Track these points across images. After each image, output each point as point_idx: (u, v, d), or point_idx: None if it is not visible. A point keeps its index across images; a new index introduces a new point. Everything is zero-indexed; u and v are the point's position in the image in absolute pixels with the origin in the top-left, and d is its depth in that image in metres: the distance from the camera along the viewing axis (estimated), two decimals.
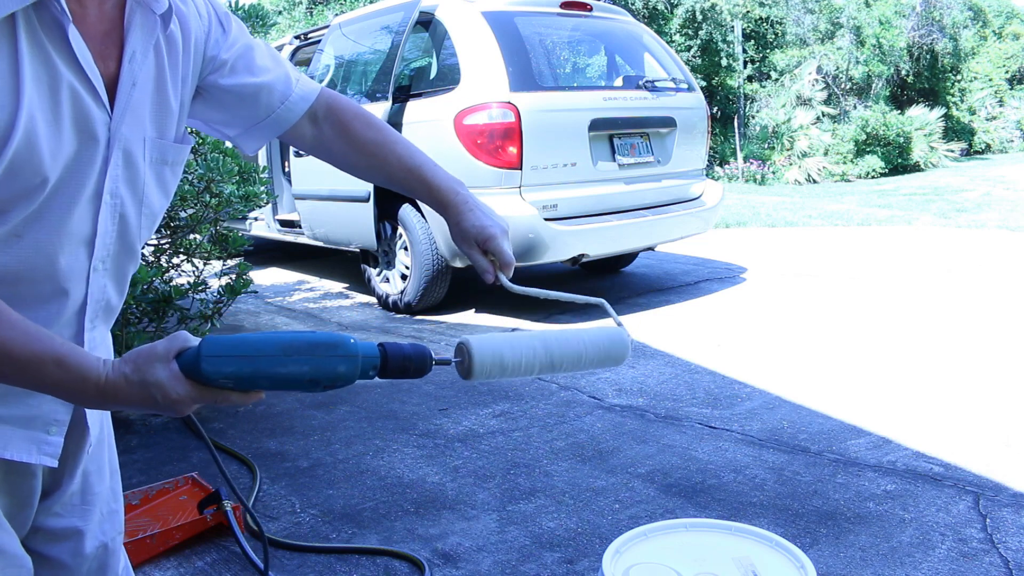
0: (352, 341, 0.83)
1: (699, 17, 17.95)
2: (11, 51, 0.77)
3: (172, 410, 0.80)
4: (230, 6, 3.47)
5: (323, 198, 5.08)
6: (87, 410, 0.99)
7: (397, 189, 1.18)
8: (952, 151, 17.90)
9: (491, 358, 0.94)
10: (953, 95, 20.84)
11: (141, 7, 0.89)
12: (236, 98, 1.06)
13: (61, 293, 0.89)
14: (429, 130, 4.43)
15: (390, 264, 4.93)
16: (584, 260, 4.58)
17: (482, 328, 4.40)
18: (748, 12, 18.68)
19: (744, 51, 18.47)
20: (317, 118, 1.14)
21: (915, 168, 16.44)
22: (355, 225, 4.92)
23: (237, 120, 1.10)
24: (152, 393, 0.78)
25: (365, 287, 5.33)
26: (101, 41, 0.86)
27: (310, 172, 5.11)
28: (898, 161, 16.25)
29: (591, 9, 5.00)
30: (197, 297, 3.32)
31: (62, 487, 1.02)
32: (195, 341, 0.81)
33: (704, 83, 17.12)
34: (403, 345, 0.87)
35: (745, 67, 18.49)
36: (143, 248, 1.05)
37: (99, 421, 1.06)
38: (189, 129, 1.08)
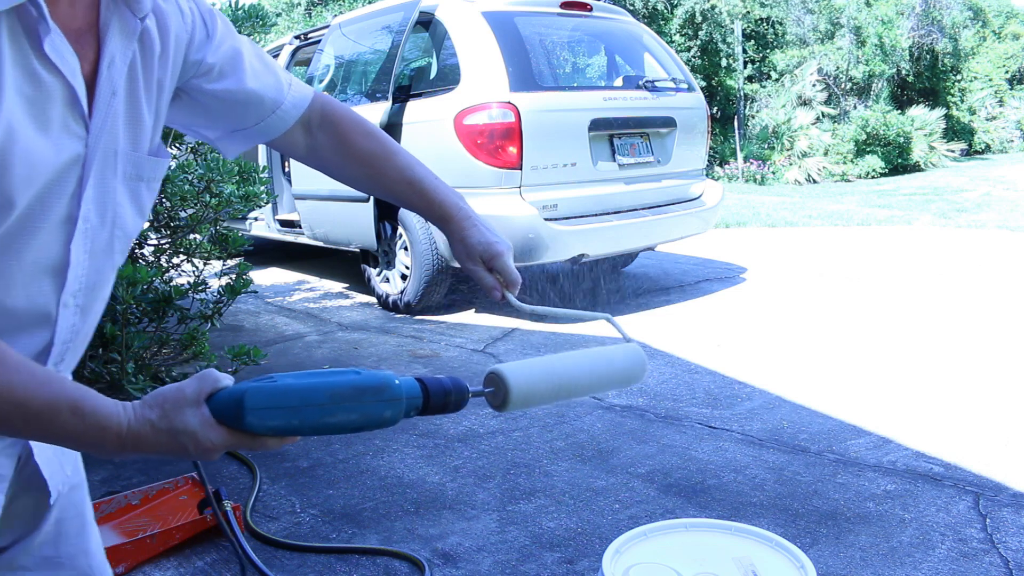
0: (396, 382, 0.78)
1: (699, 17, 17.96)
2: None
3: (203, 458, 0.73)
4: (229, 6, 3.47)
5: (323, 198, 5.08)
6: (42, 457, 0.86)
7: (395, 201, 1.13)
8: (952, 151, 17.90)
9: (526, 389, 0.89)
10: (953, 95, 20.84)
11: (119, 9, 0.79)
12: (223, 104, 0.97)
13: (19, 332, 0.76)
14: (429, 130, 4.43)
15: (390, 264, 4.93)
16: (584, 260, 4.58)
17: (481, 328, 4.41)
18: (748, 12, 18.68)
19: (744, 51, 18.48)
20: (311, 126, 1.07)
21: (915, 168, 16.44)
22: (355, 225, 4.92)
23: (221, 124, 1.01)
24: (182, 442, 0.71)
25: (365, 287, 5.33)
26: (74, 41, 0.76)
27: (310, 172, 5.10)
28: (898, 161, 16.25)
29: (591, 9, 5.00)
30: (197, 297, 3.33)
31: (27, 537, 0.90)
32: (225, 380, 0.74)
33: (704, 83, 17.12)
34: (443, 380, 0.83)
35: (745, 67, 18.49)
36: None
37: (67, 469, 0.92)
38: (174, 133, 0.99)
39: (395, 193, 1.11)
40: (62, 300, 0.79)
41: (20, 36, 0.70)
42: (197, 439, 0.71)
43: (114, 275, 0.88)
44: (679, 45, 17.80)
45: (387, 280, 4.98)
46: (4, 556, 0.88)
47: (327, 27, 5.73)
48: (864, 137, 15.91)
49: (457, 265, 4.52)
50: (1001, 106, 21.93)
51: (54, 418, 0.67)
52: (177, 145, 3.46)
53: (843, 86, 17.96)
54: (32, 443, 0.85)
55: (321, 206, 5.16)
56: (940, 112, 17.69)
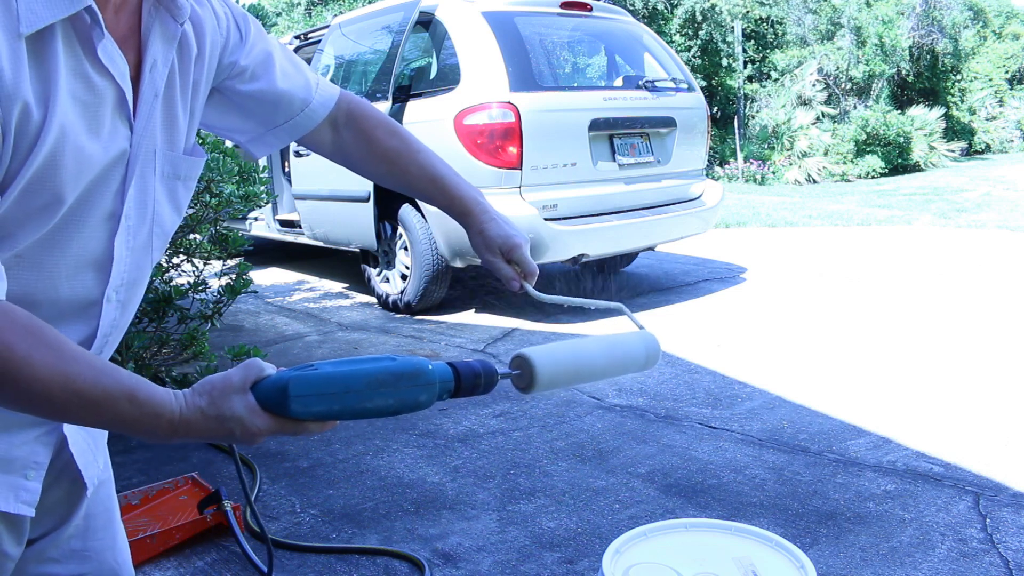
0: (430, 367, 0.83)
1: (699, 17, 17.95)
2: (47, 65, 0.72)
3: (248, 442, 0.77)
4: None
5: (323, 198, 5.08)
6: (77, 448, 0.90)
7: (417, 196, 1.18)
8: (952, 151, 17.89)
9: (551, 371, 0.92)
10: (953, 95, 20.82)
11: (161, 15, 0.83)
12: (255, 103, 1.02)
13: (62, 322, 0.80)
14: (429, 130, 4.43)
15: (390, 264, 4.93)
16: (584, 260, 4.58)
17: (481, 328, 4.41)
18: (748, 12, 18.68)
19: (744, 51, 18.47)
20: (337, 124, 1.11)
21: (915, 168, 16.43)
22: (355, 225, 4.91)
23: (251, 125, 1.05)
24: (230, 427, 0.75)
25: (365, 287, 5.33)
26: (119, 46, 0.80)
27: (310, 172, 5.11)
28: (898, 161, 16.24)
29: (591, 9, 5.00)
30: (197, 297, 3.33)
31: (58, 529, 0.93)
32: (269, 369, 0.78)
33: (704, 83, 17.11)
34: (473, 364, 0.87)
35: (745, 67, 18.48)
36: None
37: (99, 462, 0.96)
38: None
39: (418, 189, 1.15)
40: (106, 295, 0.83)
41: (74, 43, 0.74)
42: (244, 424, 0.74)
43: (151, 271, 0.91)
44: (679, 45, 17.79)
45: (387, 280, 4.98)
46: (34, 547, 0.90)
47: (327, 27, 5.73)
48: (864, 137, 15.90)
49: (458, 265, 4.53)
50: (1001, 106, 21.92)
51: (112, 406, 0.70)
52: None
53: (843, 86, 17.95)
54: (67, 433, 0.88)
55: (321, 206, 5.16)
56: (940, 112, 17.67)
